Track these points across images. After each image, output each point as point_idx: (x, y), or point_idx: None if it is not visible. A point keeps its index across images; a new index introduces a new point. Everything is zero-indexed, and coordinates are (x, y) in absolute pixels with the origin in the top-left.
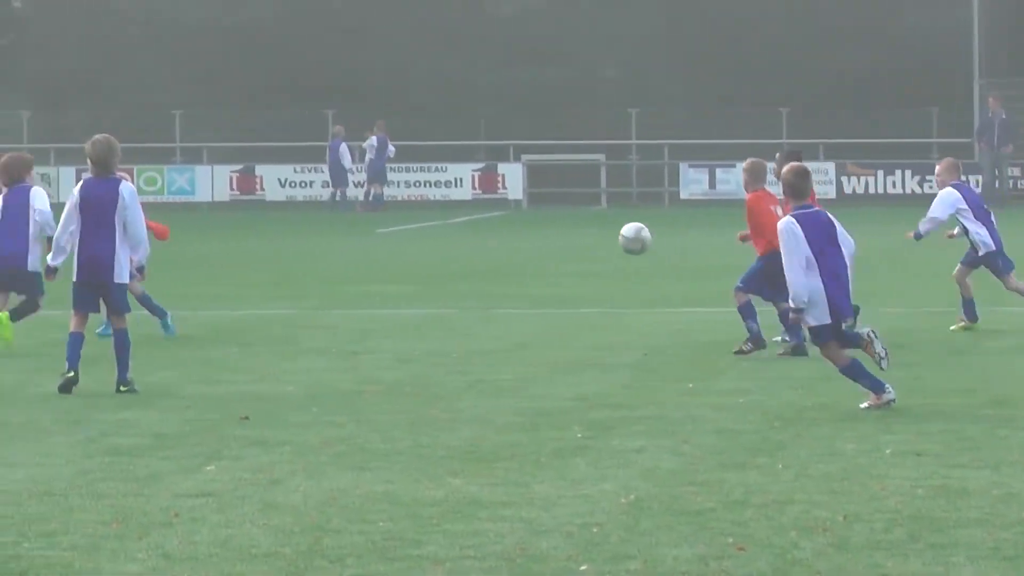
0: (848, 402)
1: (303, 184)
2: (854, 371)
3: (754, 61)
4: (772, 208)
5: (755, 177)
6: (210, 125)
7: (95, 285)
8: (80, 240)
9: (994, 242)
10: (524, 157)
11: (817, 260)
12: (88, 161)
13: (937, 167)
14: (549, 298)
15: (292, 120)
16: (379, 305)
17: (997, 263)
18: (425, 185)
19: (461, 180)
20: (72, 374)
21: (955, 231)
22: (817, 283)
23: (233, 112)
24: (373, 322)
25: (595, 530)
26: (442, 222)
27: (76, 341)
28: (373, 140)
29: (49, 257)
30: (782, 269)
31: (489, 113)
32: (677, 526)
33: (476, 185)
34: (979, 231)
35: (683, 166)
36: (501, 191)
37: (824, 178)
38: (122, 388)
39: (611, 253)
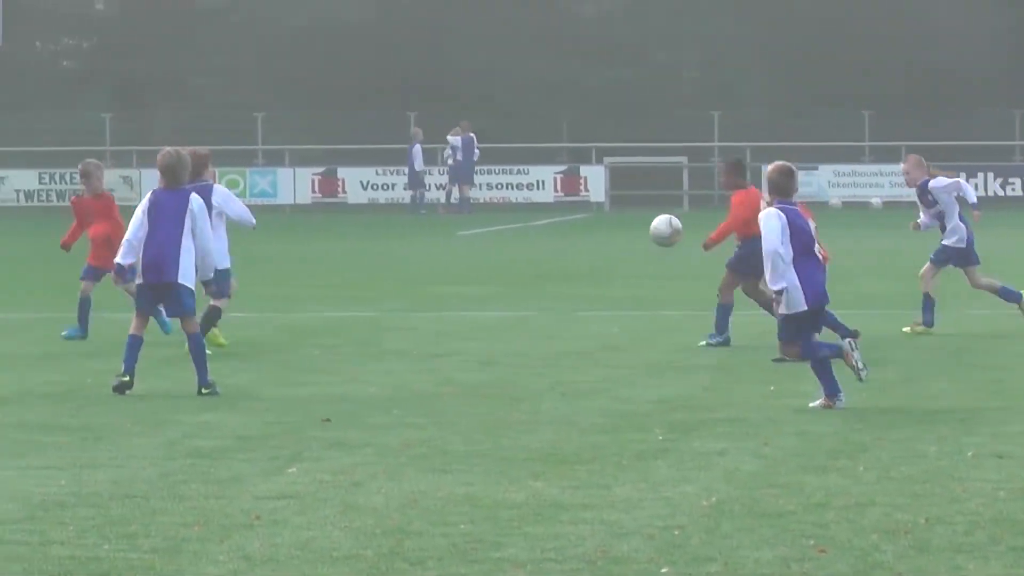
0: (929, 404)
1: (385, 187)
2: (822, 368)
3: (837, 63)
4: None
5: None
6: (292, 127)
7: (160, 287)
8: (146, 244)
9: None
10: (606, 159)
11: (794, 252)
12: (158, 172)
13: (903, 165)
14: (630, 300)
15: (374, 122)
16: (460, 307)
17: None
18: (507, 187)
19: (543, 182)
20: (128, 378)
21: (921, 220)
22: (792, 275)
23: (315, 114)
24: (454, 324)
25: (676, 532)
26: (524, 224)
27: (134, 344)
28: (457, 141)
29: (120, 256)
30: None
31: (571, 115)
32: (758, 528)
33: (558, 187)
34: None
35: (765, 168)
36: (583, 193)
37: None
38: (203, 391)
39: (693, 255)
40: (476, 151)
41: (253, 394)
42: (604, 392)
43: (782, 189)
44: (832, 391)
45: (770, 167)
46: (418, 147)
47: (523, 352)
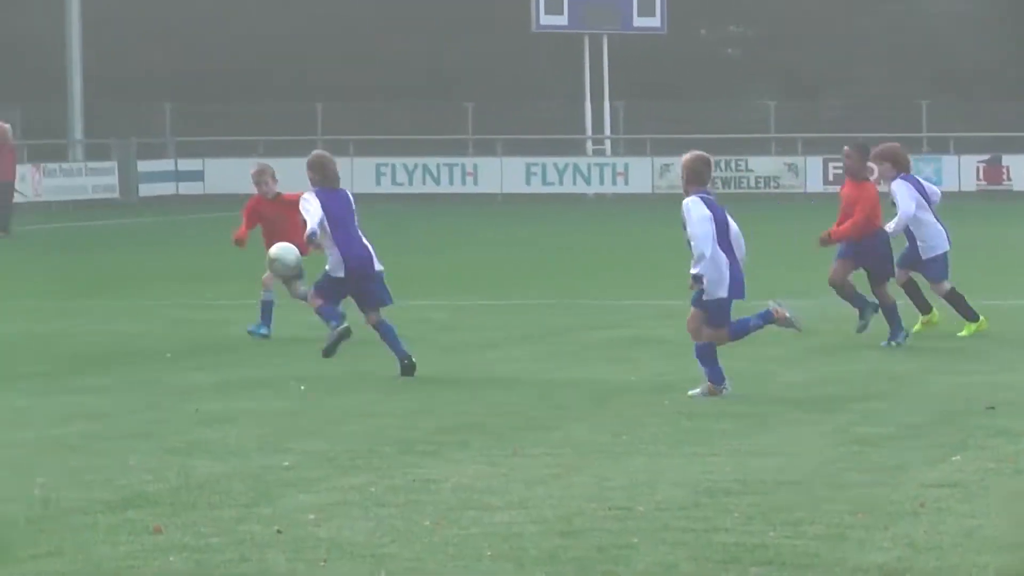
0: None
1: None
2: (708, 353)
3: None
4: None
5: None
6: (957, 115)
7: (363, 278)
8: (338, 241)
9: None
10: None
11: (718, 240)
12: (312, 173)
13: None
14: None
15: None
16: None
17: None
18: None
19: None
20: (408, 359)
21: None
22: (723, 257)
23: (980, 103)
24: None
25: None
26: None
27: (390, 330)
28: None
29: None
30: None
31: None
32: None
33: None
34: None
35: None
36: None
37: None
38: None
39: None
40: None
41: (920, 381)
42: None
43: (703, 177)
44: (718, 379)
45: (690, 157)
46: None
47: None
